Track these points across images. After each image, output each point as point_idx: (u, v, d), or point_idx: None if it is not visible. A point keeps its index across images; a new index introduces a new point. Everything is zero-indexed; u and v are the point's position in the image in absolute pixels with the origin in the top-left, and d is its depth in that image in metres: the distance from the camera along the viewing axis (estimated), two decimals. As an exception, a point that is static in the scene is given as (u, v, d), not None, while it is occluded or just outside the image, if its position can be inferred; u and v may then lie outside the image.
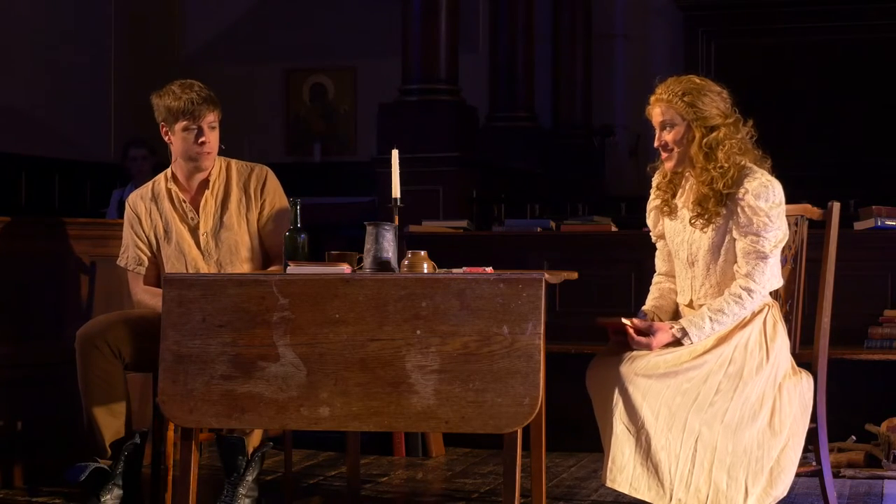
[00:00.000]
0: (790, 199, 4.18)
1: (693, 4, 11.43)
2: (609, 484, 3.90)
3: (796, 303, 4.39)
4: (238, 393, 3.84)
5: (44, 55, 10.27)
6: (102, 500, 4.40)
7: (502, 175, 9.75)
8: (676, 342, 4.01)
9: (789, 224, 4.48)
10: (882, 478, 5.27)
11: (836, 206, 4.39)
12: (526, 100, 11.03)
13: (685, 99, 4.09)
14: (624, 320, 4.05)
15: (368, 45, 11.28)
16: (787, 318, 4.36)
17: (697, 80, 4.15)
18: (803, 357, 4.31)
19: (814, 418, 4.22)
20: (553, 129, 11.44)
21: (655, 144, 4.18)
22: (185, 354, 3.86)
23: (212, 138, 4.66)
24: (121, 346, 4.45)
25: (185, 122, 4.62)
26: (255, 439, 4.57)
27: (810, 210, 4.42)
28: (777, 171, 4.18)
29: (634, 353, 3.97)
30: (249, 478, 4.48)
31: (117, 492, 4.42)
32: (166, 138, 4.70)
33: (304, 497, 4.99)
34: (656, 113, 4.15)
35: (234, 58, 11.17)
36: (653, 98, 4.16)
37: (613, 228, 6.30)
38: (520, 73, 10.90)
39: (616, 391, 3.92)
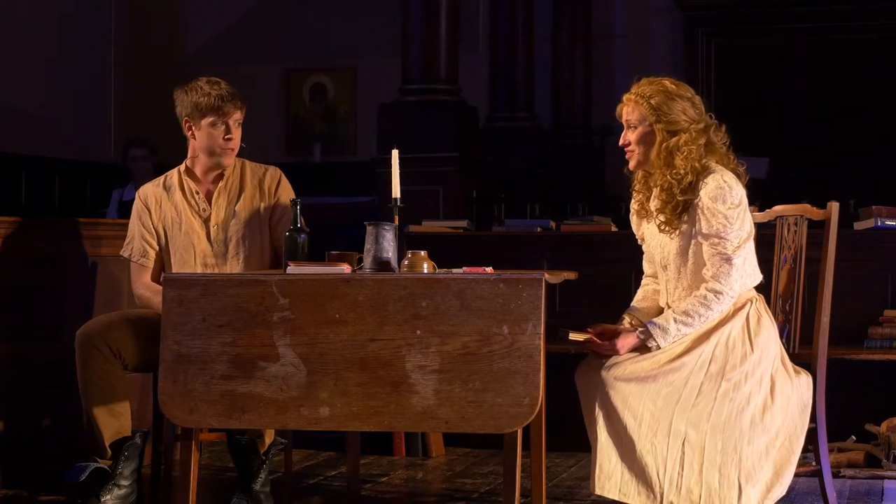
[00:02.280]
0: (790, 199, 4.18)
1: (693, 4, 11.43)
2: (598, 492, 3.90)
3: (796, 303, 4.39)
4: (238, 393, 3.84)
5: (44, 55, 10.27)
6: (102, 500, 4.40)
7: (502, 175, 9.74)
8: (642, 345, 4.01)
9: (789, 224, 4.48)
10: (882, 478, 5.27)
11: (836, 206, 4.39)
12: (526, 100, 11.02)
13: (652, 101, 4.09)
14: (573, 336, 4.03)
15: (368, 45, 11.28)
16: (787, 318, 4.36)
17: (668, 84, 4.13)
18: (803, 357, 4.31)
19: (814, 418, 4.22)
20: (553, 129, 11.43)
21: (620, 143, 4.19)
22: (185, 354, 3.87)
23: (236, 136, 4.70)
24: (121, 347, 4.45)
25: (212, 118, 4.65)
26: (267, 438, 4.59)
27: (810, 210, 4.42)
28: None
29: (614, 359, 3.97)
30: (262, 476, 4.51)
31: (117, 492, 4.42)
32: (188, 133, 4.71)
33: (304, 497, 5.00)
34: (624, 112, 4.17)
35: (234, 58, 11.16)
36: (624, 97, 4.18)
37: (613, 228, 6.30)
38: (520, 73, 10.90)
39: (598, 398, 3.93)
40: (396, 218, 4.15)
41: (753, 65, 11.16)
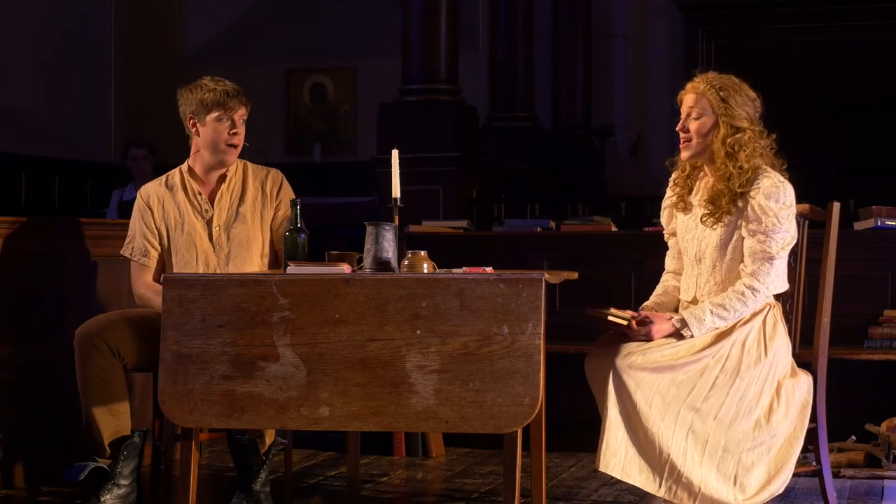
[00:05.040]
0: (790, 200, 4.19)
1: (693, 4, 11.43)
2: (602, 468, 3.93)
3: (796, 302, 4.39)
4: (238, 393, 3.84)
5: (44, 55, 10.27)
6: (102, 499, 4.40)
7: (502, 175, 9.75)
8: (676, 333, 4.03)
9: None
10: (882, 478, 5.27)
11: (836, 206, 4.39)
12: (526, 100, 11.03)
13: (721, 93, 4.14)
14: (613, 318, 4.04)
15: (368, 45, 11.28)
16: (787, 319, 4.37)
17: (736, 80, 4.21)
18: (803, 357, 4.32)
19: (814, 418, 4.23)
20: (553, 129, 11.44)
21: (677, 128, 4.20)
22: (185, 354, 3.87)
23: (241, 132, 4.69)
24: (120, 346, 4.45)
25: (217, 113, 4.64)
26: (268, 438, 4.59)
27: (810, 210, 4.43)
28: (787, 178, 4.20)
29: (632, 347, 3.98)
30: (262, 476, 4.52)
31: (117, 491, 4.42)
32: (193, 130, 4.70)
33: (304, 497, 5.00)
34: (688, 99, 4.20)
35: (234, 58, 11.17)
36: (689, 85, 4.21)
37: (613, 228, 6.30)
38: (520, 73, 10.90)
39: (611, 381, 3.95)
40: (396, 218, 4.15)
41: (753, 65, 11.11)
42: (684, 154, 4.21)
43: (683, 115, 4.20)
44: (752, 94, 4.21)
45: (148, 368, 4.48)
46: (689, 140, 4.18)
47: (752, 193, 4.09)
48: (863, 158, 10.59)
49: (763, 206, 4.07)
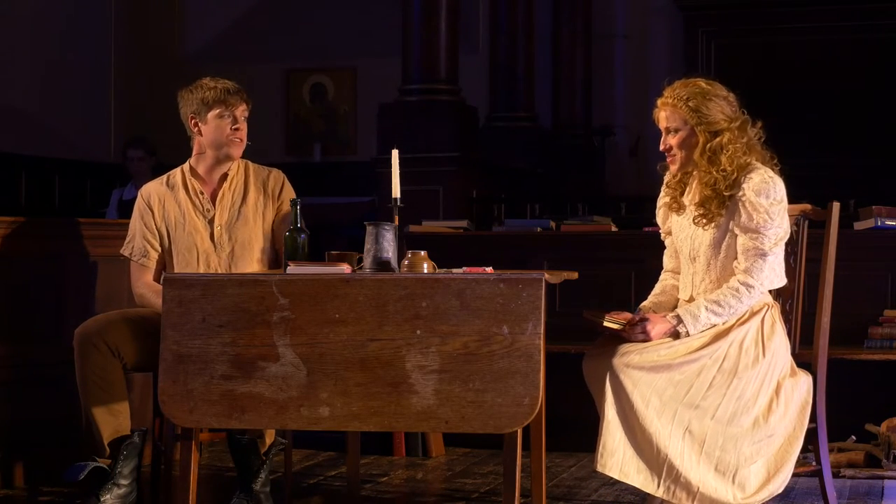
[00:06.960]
0: (790, 200, 4.19)
1: (693, 4, 11.43)
2: (600, 469, 3.93)
3: (796, 302, 4.39)
4: (238, 393, 3.84)
5: (44, 55, 10.27)
6: (102, 499, 4.40)
7: (502, 175, 9.75)
8: (673, 331, 4.03)
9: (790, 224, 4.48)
10: (882, 478, 5.27)
11: (836, 206, 4.39)
12: (526, 100, 11.03)
13: (689, 104, 4.12)
14: (608, 323, 4.04)
15: (368, 45, 11.28)
16: (787, 318, 4.37)
17: (703, 85, 4.17)
18: (803, 357, 4.32)
19: (814, 418, 4.22)
20: (553, 129, 11.44)
21: (661, 148, 4.22)
22: (186, 354, 3.87)
23: (243, 128, 4.69)
24: (119, 345, 4.45)
25: (219, 110, 4.65)
26: (268, 438, 4.59)
27: (810, 210, 4.43)
28: (778, 171, 4.19)
29: (629, 346, 3.99)
30: (262, 476, 4.51)
31: (117, 491, 4.42)
32: (195, 130, 4.70)
33: (304, 497, 5.00)
34: (662, 117, 4.20)
35: (234, 58, 11.16)
36: (659, 101, 4.21)
37: (613, 228, 6.31)
38: (520, 73, 10.90)
39: (608, 381, 3.95)
40: (396, 218, 4.15)
41: (753, 65, 11.15)
42: (674, 169, 4.24)
43: (663, 133, 4.22)
44: (724, 91, 4.19)
45: (147, 368, 4.48)
46: (675, 155, 4.19)
47: (742, 190, 4.08)
48: (863, 158, 10.59)
49: (753, 202, 4.06)
